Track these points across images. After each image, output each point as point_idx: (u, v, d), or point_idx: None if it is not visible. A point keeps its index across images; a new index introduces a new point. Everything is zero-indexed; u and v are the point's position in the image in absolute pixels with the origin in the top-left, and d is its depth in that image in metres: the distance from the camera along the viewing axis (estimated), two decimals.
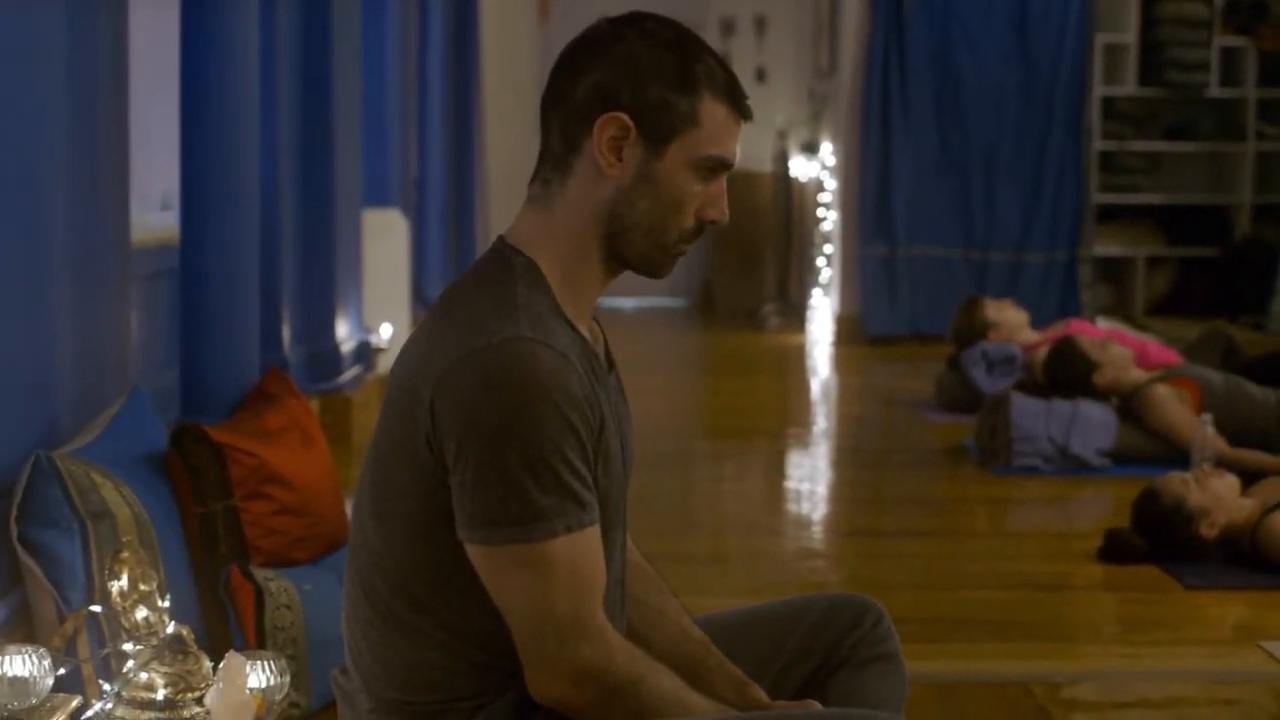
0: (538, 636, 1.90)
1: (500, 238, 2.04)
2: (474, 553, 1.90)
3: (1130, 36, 10.02)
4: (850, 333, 10.12)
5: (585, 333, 2.03)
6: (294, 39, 5.69)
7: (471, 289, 1.98)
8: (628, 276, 2.10)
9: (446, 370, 1.88)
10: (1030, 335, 7.29)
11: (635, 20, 2.01)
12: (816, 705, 2.14)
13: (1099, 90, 10.03)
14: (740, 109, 2.02)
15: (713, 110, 1.99)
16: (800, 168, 11.50)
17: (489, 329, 1.89)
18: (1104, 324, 8.73)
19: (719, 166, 2.01)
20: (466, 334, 1.90)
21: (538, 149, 2.05)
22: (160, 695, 2.09)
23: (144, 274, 4.05)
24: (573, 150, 1.99)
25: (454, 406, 1.87)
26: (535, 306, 1.94)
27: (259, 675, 2.33)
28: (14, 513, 2.68)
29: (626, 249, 2.01)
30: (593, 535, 1.92)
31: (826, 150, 10.77)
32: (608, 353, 2.11)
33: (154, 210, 4.68)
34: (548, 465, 1.86)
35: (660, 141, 1.97)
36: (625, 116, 1.96)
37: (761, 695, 2.16)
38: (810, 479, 6.25)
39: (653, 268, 2.05)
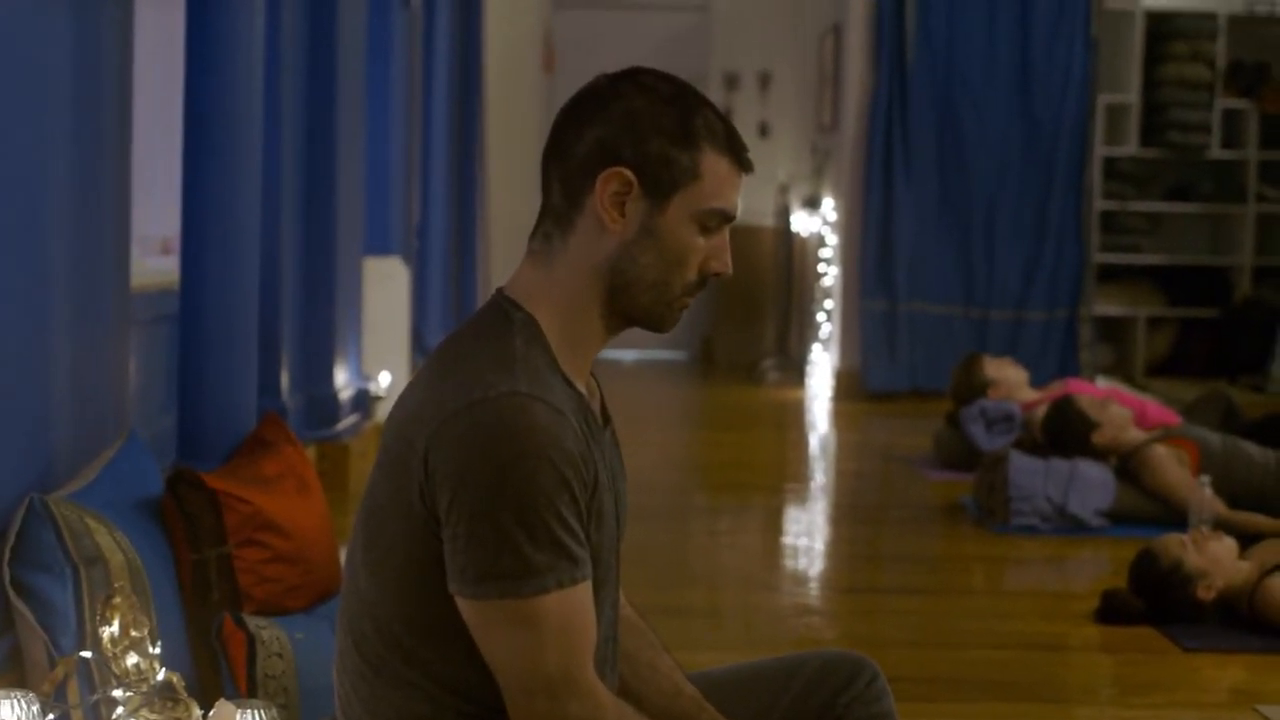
0: (527, 693, 1.89)
1: (499, 290, 2.04)
2: (465, 607, 1.90)
3: (1132, 97, 10.06)
4: (849, 388, 10.12)
5: (582, 389, 2.02)
6: (298, 86, 5.70)
7: (469, 342, 1.98)
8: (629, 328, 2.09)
9: (442, 422, 1.88)
10: (1029, 394, 7.29)
11: (634, 75, 2.01)
12: None
13: (1100, 150, 10.05)
14: (741, 161, 2.03)
15: (714, 163, 1.99)
16: (802, 222, 11.52)
17: (485, 382, 1.89)
18: (1103, 383, 8.73)
19: (721, 219, 2.02)
20: (463, 387, 1.89)
21: (539, 200, 2.05)
22: None
23: (143, 319, 4.05)
24: (575, 206, 1.99)
25: (448, 459, 1.87)
26: (533, 362, 1.94)
27: None
28: (6, 556, 2.66)
29: (630, 304, 2.01)
30: (584, 591, 1.92)
31: (828, 205, 10.80)
32: (604, 408, 2.10)
33: (154, 255, 4.69)
34: (541, 521, 1.86)
35: (663, 196, 1.98)
36: (628, 172, 1.96)
37: None
38: (807, 534, 6.24)
39: (657, 322, 2.05)
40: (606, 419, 2.10)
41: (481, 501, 1.85)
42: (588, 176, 1.98)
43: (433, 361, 2.00)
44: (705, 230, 2.01)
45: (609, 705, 1.92)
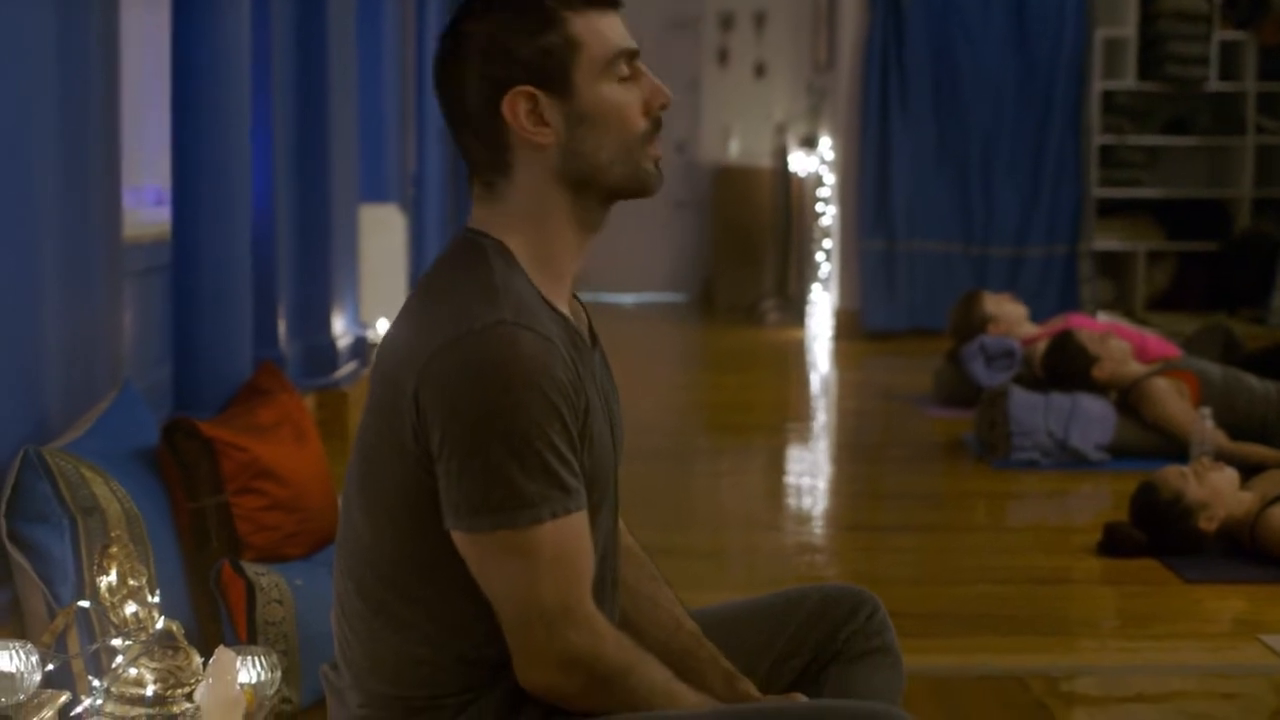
0: (525, 624, 1.89)
1: (465, 226, 2.03)
2: (461, 541, 1.89)
3: (1129, 30, 10.01)
4: (849, 327, 10.11)
5: (565, 311, 2.01)
6: (289, 34, 5.68)
7: (447, 275, 1.97)
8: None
9: (429, 358, 1.87)
10: (1029, 329, 7.28)
11: (467, 9, 2.00)
12: (803, 699, 2.12)
13: (1098, 85, 10.01)
14: (605, 2, 2.00)
15: (582, 23, 1.97)
16: (799, 162, 11.48)
17: (471, 314, 1.87)
18: (1104, 318, 8.71)
19: (627, 59, 2.00)
20: (448, 321, 1.88)
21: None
22: (150, 691, 2.07)
23: (137, 269, 4.04)
24: (500, 146, 1.98)
25: (438, 395, 1.86)
26: (515, 289, 1.93)
27: (250, 671, 2.32)
28: (3, 508, 2.67)
29: (606, 186, 2.00)
30: (579, 521, 1.91)
31: (825, 145, 10.76)
32: (591, 330, 2.09)
33: (147, 206, 4.68)
34: (533, 451, 1.85)
35: (565, 82, 1.96)
36: (523, 87, 1.95)
37: (751, 689, 2.14)
38: (809, 474, 6.24)
39: (640, 186, 2.02)
40: (594, 339, 2.08)
41: (472, 434, 1.84)
42: (494, 115, 1.96)
43: (413, 300, 1.98)
44: (623, 80, 1.99)
45: (607, 635, 1.92)
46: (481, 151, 1.99)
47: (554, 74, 1.95)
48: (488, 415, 1.84)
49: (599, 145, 1.98)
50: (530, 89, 1.95)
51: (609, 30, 1.99)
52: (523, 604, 1.89)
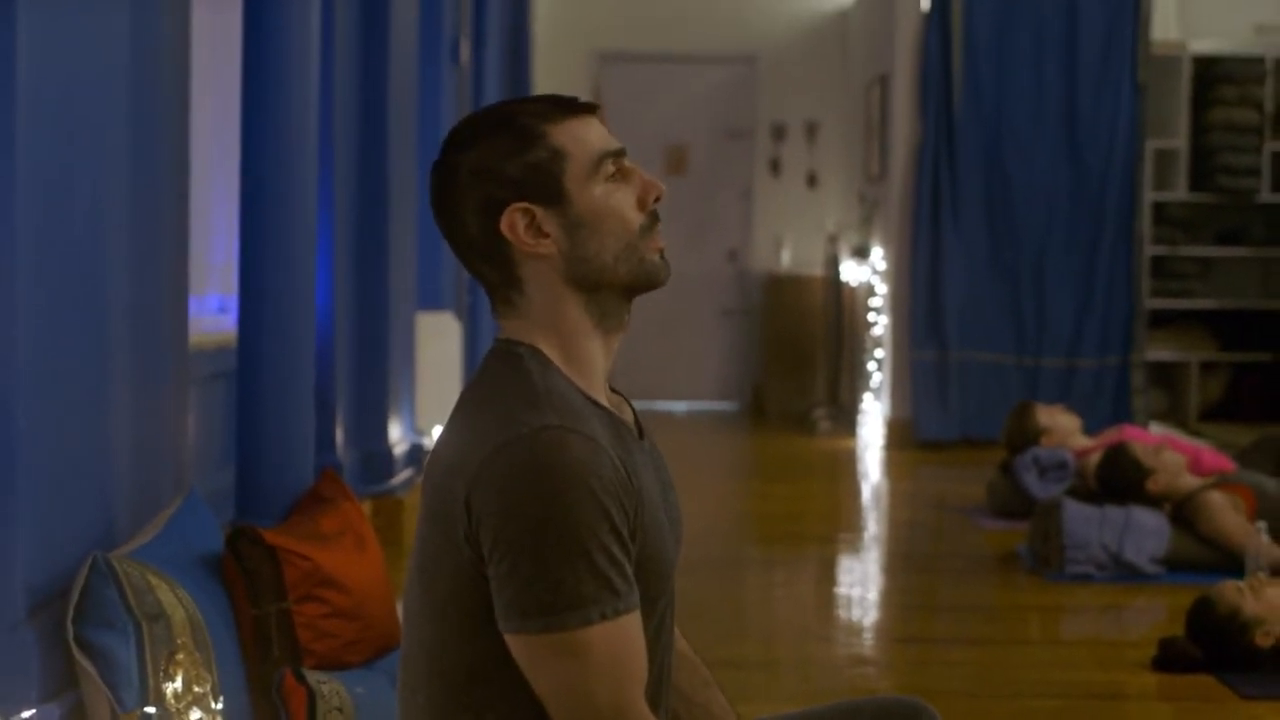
0: None
1: (496, 338, 2.07)
2: (513, 644, 1.91)
3: (1181, 142, 10.05)
4: (901, 437, 10.10)
5: (607, 405, 2.05)
6: (351, 146, 5.77)
7: (489, 385, 2.01)
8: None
9: (480, 465, 1.90)
10: (1082, 441, 7.26)
11: (451, 140, 2.06)
12: None
13: (1150, 195, 10.04)
14: (579, 109, 2.05)
15: (564, 133, 2.02)
16: (851, 272, 11.53)
17: (517, 420, 1.91)
18: (1157, 429, 8.69)
19: (614, 159, 2.04)
20: (495, 428, 1.92)
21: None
22: None
23: (201, 376, 4.10)
24: (507, 264, 2.03)
25: (488, 500, 1.89)
26: (557, 391, 1.96)
27: None
28: (70, 614, 2.70)
29: (616, 285, 2.04)
30: (630, 623, 1.92)
31: (877, 254, 10.81)
32: (637, 421, 2.12)
33: (210, 313, 4.75)
34: (583, 553, 1.87)
35: (557, 193, 2.01)
36: (517, 204, 2.00)
37: None
38: (861, 584, 6.23)
39: (649, 277, 2.06)
40: (641, 431, 2.11)
41: (523, 537, 1.87)
42: (495, 238, 2.01)
43: (458, 411, 2.02)
44: (612, 179, 2.04)
45: None
46: (491, 273, 2.05)
47: (545, 186, 2.01)
48: (538, 518, 1.87)
49: (601, 247, 2.02)
50: (525, 204, 2.00)
51: (590, 135, 2.04)
52: (575, 708, 1.90)
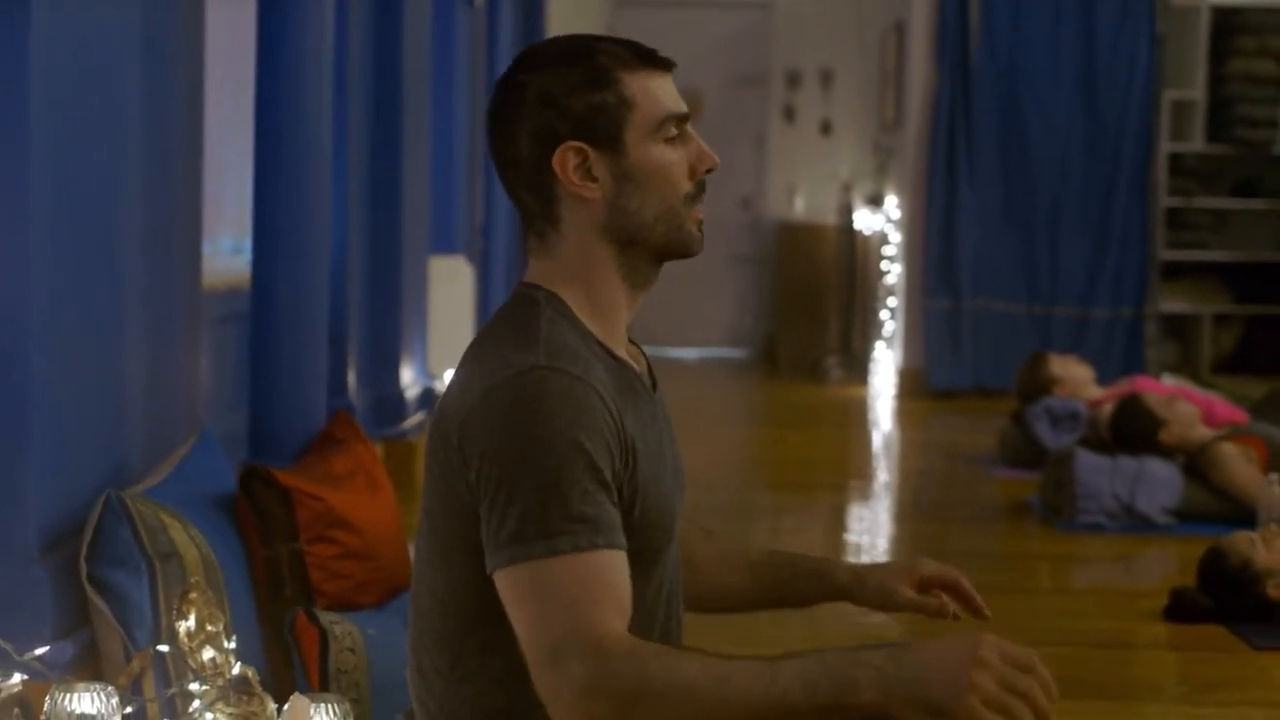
0: (536, 664, 1.82)
1: (519, 281, 2.06)
2: (497, 584, 1.88)
3: (1198, 93, 9.99)
4: (913, 386, 10.10)
5: (623, 355, 2.04)
6: (365, 87, 5.75)
7: (493, 331, 2.01)
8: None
9: (470, 409, 1.90)
10: (1095, 391, 7.25)
11: (523, 60, 2.04)
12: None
13: (1166, 146, 9.99)
14: (657, 64, 2.04)
15: (636, 83, 2.01)
16: (865, 220, 11.50)
17: (506, 364, 1.91)
18: (1170, 381, 8.67)
19: (677, 123, 2.03)
20: (487, 371, 1.92)
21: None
22: None
23: (214, 318, 4.09)
24: (549, 199, 2.01)
25: (476, 441, 1.88)
26: (558, 335, 1.95)
27: (322, 717, 2.35)
28: (84, 552, 2.71)
29: (650, 245, 2.03)
30: (605, 560, 1.85)
31: (891, 203, 10.78)
32: (651, 375, 2.12)
33: (223, 255, 4.75)
34: (555, 486, 1.84)
35: (615, 140, 1.99)
36: (574, 142, 1.99)
37: (842, 576, 2.39)
38: (871, 532, 6.23)
39: (683, 247, 2.05)
40: (655, 383, 2.11)
41: (501, 473, 1.86)
42: (543, 169, 2.00)
43: (464, 357, 2.02)
44: (670, 141, 2.02)
45: (619, 655, 1.79)
46: (531, 201, 2.03)
47: (605, 131, 1.99)
48: (513, 454, 1.85)
49: (644, 204, 2.01)
50: (581, 144, 1.99)
51: (662, 92, 2.03)
52: (533, 642, 1.82)
